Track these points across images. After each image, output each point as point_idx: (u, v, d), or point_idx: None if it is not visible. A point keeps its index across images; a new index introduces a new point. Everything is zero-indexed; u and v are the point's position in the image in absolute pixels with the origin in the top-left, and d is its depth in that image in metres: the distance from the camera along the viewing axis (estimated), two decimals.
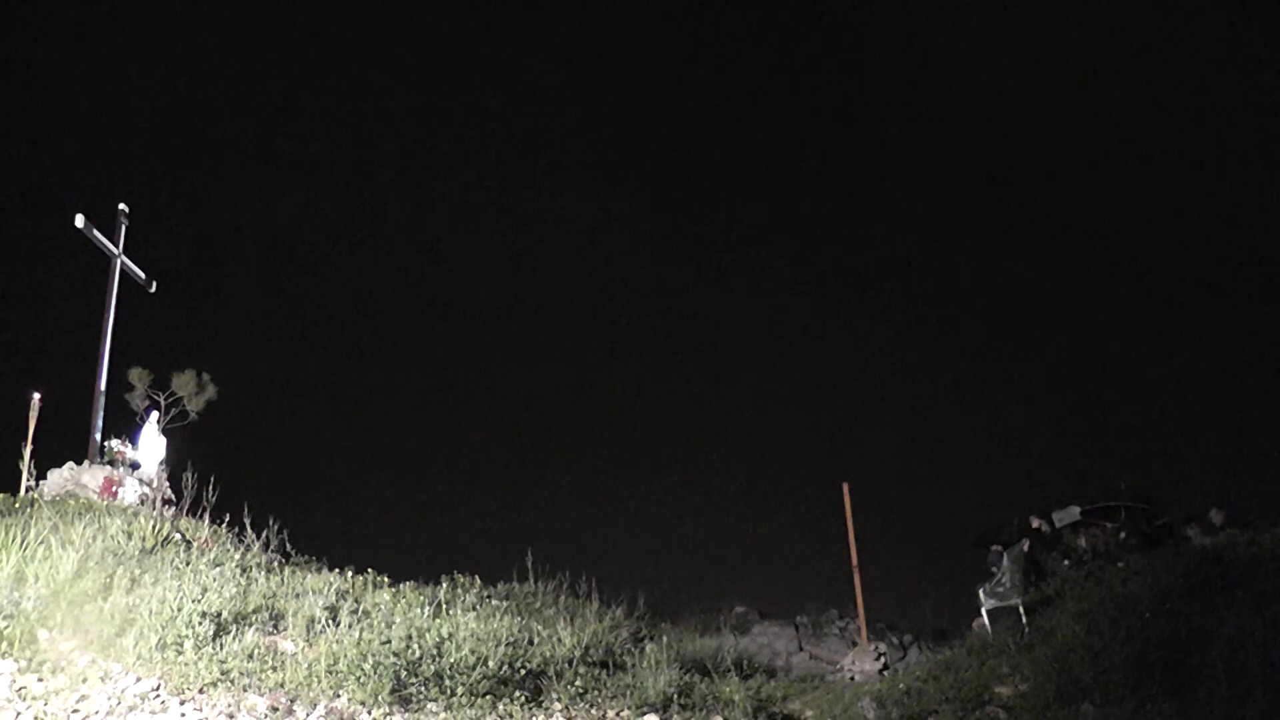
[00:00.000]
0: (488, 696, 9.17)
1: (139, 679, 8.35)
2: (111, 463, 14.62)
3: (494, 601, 12.50)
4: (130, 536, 11.12)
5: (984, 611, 13.09)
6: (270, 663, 9.02)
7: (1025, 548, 13.56)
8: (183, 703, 8.14)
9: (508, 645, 10.25)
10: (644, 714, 9.73)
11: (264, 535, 12.28)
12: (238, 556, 11.53)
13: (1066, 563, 13.34)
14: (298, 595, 10.64)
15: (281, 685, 8.69)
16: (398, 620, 10.34)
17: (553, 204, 43.25)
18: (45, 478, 13.98)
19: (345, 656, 9.17)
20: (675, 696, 10.12)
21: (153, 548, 11.09)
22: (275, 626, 9.94)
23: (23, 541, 9.93)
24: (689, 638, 13.22)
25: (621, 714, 9.71)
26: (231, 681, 8.51)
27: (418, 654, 9.49)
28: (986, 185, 41.69)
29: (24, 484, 13.07)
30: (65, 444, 14.65)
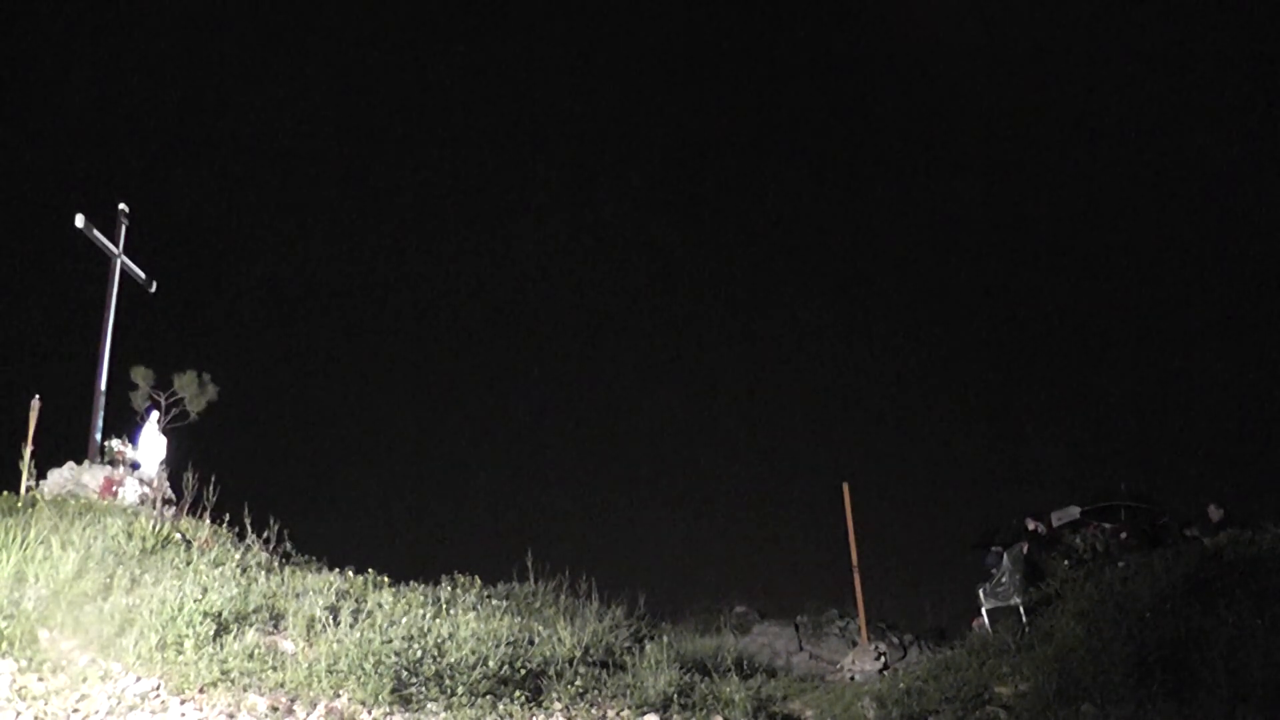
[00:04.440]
0: (488, 696, 9.18)
1: (139, 679, 8.35)
2: (112, 463, 14.61)
3: (494, 601, 12.52)
4: (130, 536, 11.11)
5: (984, 611, 13.11)
6: (270, 662, 9.02)
7: (1024, 549, 13.57)
8: (183, 702, 8.14)
9: (508, 645, 10.26)
10: (644, 714, 9.73)
11: (264, 535, 12.29)
12: (238, 556, 11.53)
13: (1066, 563, 13.35)
14: (298, 595, 10.64)
15: (282, 685, 8.70)
16: (398, 620, 10.35)
17: (553, 204, 43.28)
18: (45, 478, 13.96)
19: (346, 656, 9.18)
20: (675, 696, 10.12)
21: (153, 548, 11.09)
22: (275, 626, 9.95)
23: (23, 541, 9.92)
24: (689, 638, 13.23)
25: (621, 714, 9.72)
26: (232, 681, 8.51)
27: (418, 654, 9.50)
28: (988, 185, 41.70)
29: (24, 484, 13.06)
30: (65, 444, 14.64)
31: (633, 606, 13.57)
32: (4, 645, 8.26)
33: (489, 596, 12.93)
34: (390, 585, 11.97)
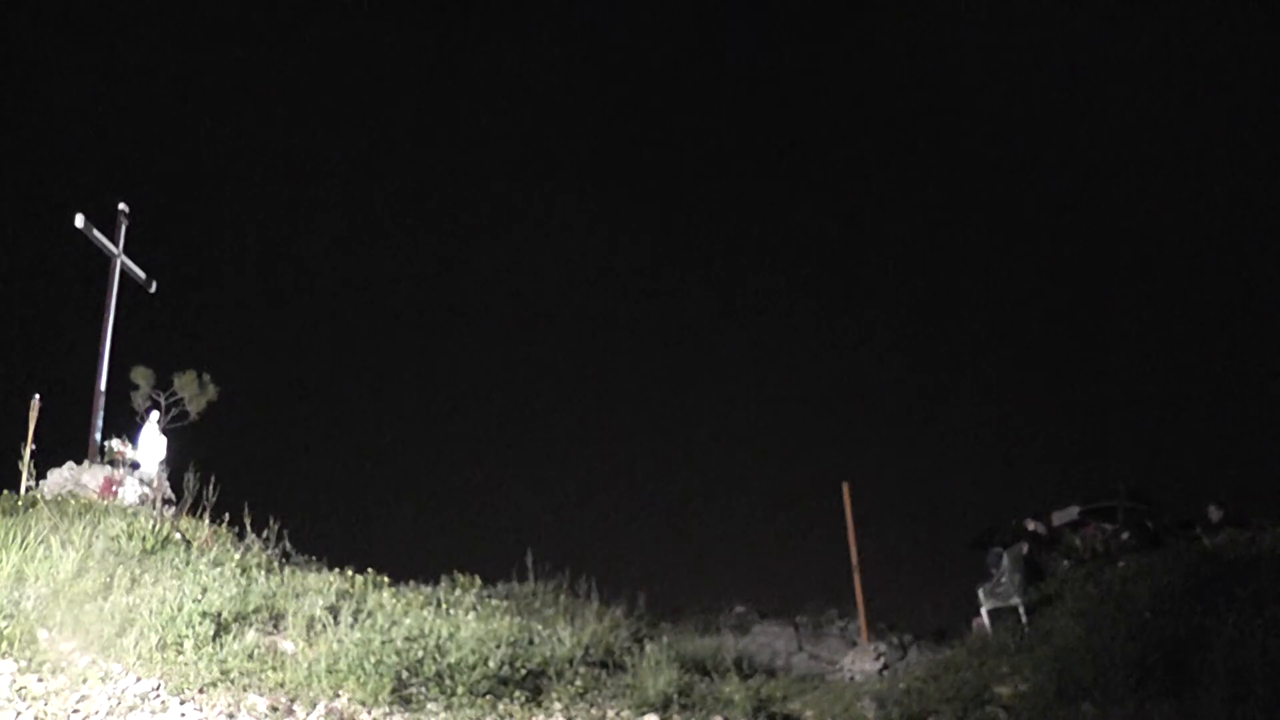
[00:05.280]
0: (488, 696, 9.18)
1: (139, 679, 8.35)
2: (112, 463, 14.61)
3: (494, 601, 12.51)
4: (130, 536, 11.11)
5: (984, 611, 13.10)
6: (270, 662, 9.02)
7: (1024, 549, 13.57)
8: (183, 703, 8.14)
9: (508, 645, 10.25)
10: (644, 714, 9.73)
11: (264, 535, 12.29)
12: (238, 556, 11.53)
13: (1066, 563, 13.35)
14: (298, 595, 10.64)
15: (281, 685, 8.70)
16: (399, 620, 10.35)
17: (553, 204, 43.27)
18: (45, 478, 13.97)
19: (345, 656, 9.18)
20: (675, 696, 10.12)
21: (153, 548, 11.09)
22: (275, 626, 9.95)
23: (23, 541, 9.93)
24: (689, 638, 13.21)
25: (621, 714, 9.71)
26: (231, 681, 8.51)
27: (419, 654, 9.50)
28: (987, 184, 41.70)
29: (24, 484, 13.07)
30: (65, 444, 14.65)
31: (633, 606, 13.55)
32: (4, 645, 8.26)
33: (489, 596, 12.93)
34: (390, 585, 11.97)
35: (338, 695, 8.72)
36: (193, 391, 15.72)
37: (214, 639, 9.03)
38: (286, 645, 9.56)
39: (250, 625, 9.55)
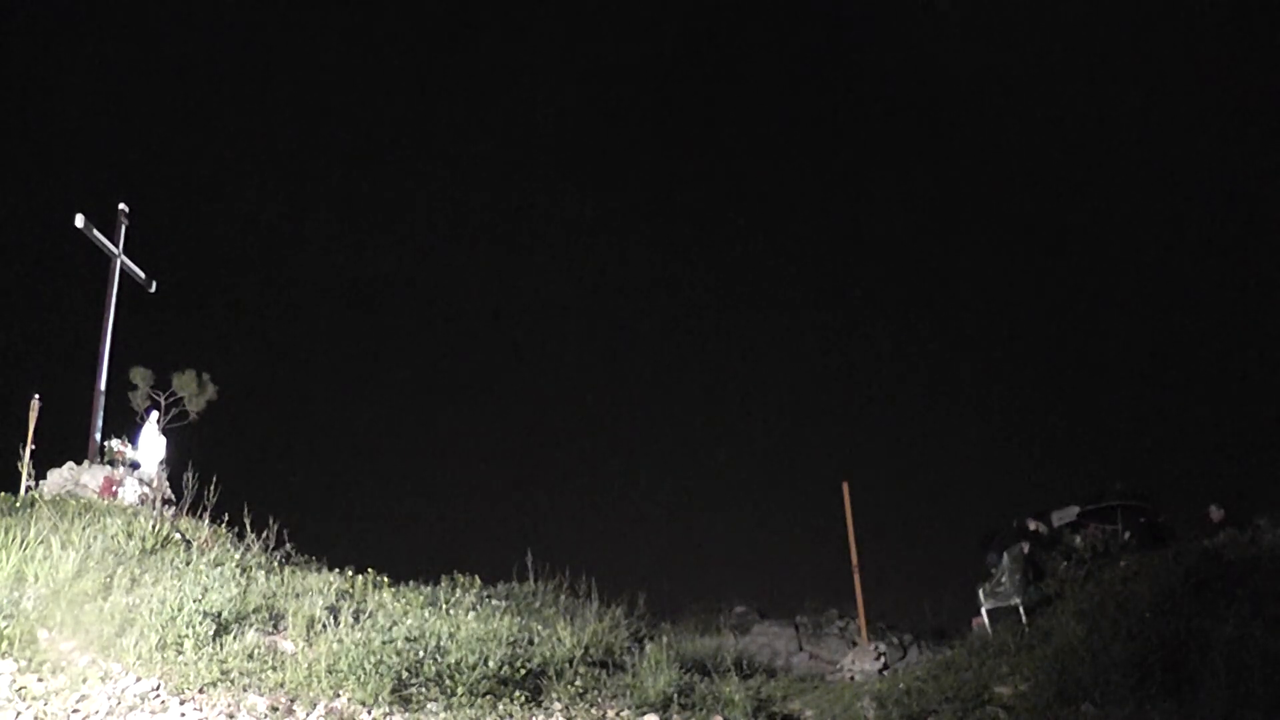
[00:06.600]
0: (488, 696, 9.18)
1: (139, 679, 8.35)
2: (111, 463, 14.62)
3: (494, 601, 12.53)
4: (130, 536, 11.11)
5: (984, 611, 13.11)
6: (270, 662, 9.02)
7: (1025, 549, 13.57)
8: (183, 702, 8.14)
9: (508, 645, 10.26)
10: (644, 714, 9.73)
11: (264, 535, 12.29)
12: (238, 556, 11.53)
13: (1065, 563, 13.35)
14: (298, 595, 10.64)
15: (281, 685, 8.70)
16: (399, 620, 10.35)
17: (552, 204, 43.27)
18: (45, 478, 13.98)
19: (345, 656, 9.17)
20: (675, 696, 10.12)
21: (153, 548, 11.09)
22: (275, 626, 9.95)
23: (23, 541, 9.92)
24: (689, 638, 13.23)
25: (621, 714, 9.72)
26: (231, 681, 8.51)
27: (419, 654, 9.50)
28: (987, 183, 41.71)
29: (24, 484, 13.07)
30: (65, 444, 14.66)
31: (633, 606, 13.57)
32: (4, 645, 8.25)
33: (489, 596, 12.94)
34: (390, 585, 11.98)
35: (338, 695, 8.72)
36: (192, 391, 15.74)
37: (214, 639, 9.03)
38: (286, 645, 9.56)
39: (250, 625, 9.54)
